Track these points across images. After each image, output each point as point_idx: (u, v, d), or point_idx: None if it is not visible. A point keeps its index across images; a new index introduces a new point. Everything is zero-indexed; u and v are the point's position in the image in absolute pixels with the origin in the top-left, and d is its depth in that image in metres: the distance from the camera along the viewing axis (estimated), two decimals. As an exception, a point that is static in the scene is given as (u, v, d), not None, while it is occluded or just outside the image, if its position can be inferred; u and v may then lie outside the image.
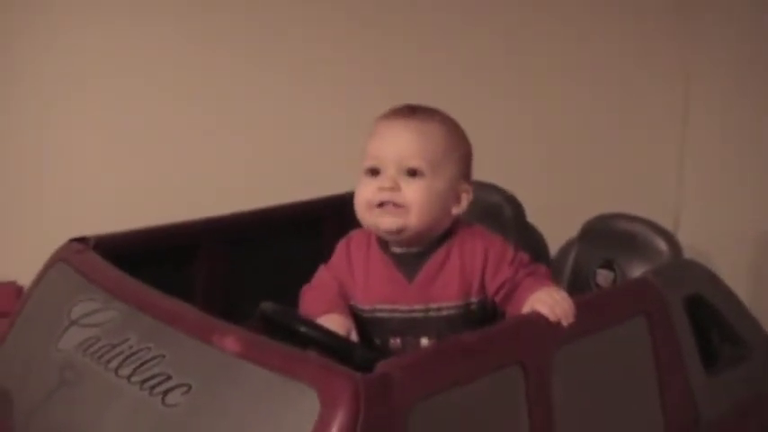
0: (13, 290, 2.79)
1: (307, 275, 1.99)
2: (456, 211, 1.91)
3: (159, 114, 3.02)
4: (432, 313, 1.88)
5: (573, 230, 2.35)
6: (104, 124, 2.99)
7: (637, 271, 2.16)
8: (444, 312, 1.88)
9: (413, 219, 1.84)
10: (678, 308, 1.98)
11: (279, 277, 2.01)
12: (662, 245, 2.18)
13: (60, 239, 2.07)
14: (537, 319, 1.74)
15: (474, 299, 1.89)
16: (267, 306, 1.72)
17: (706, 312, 2.08)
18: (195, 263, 2.20)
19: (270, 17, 3.09)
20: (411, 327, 1.88)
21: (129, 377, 1.66)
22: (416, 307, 1.89)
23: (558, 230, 2.36)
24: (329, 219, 2.36)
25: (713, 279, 2.13)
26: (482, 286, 1.89)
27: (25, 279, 2.73)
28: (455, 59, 3.11)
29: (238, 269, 2.25)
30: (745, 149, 2.79)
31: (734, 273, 2.29)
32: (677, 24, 3.15)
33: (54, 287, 1.97)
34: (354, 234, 1.99)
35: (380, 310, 1.90)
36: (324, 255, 2.02)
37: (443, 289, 1.89)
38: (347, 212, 2.02)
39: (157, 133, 3.02)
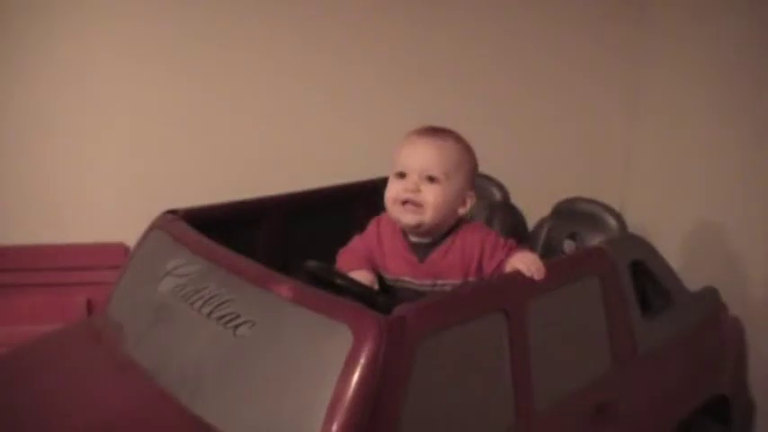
0: (122, 249, 2.81)
1: (341, 242, 2.01)
2: (461, 211, 1.93)
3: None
4: (437, 288, 1.90)
5: (545, 210, 2.34)
6: (192, 113, 2.96)
7: (594, 242, 2.16)
8: (447, 287, 1.89)
9: (428, 216, 1.87)
10: (624, 269, 1.99)
11: (321, 243, 2.01)
12: (612, 222, 2.18)
13: (156, 209, 2.08)
14: (516, 275, 1.76)
15: (471, 278, 1.90)
16: (310, 263, 1.74)
17: (644, 272, 2.08)
18: (258, 230, 2.22)
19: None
20: (422, 297, 1.89)
21: (208, 314, 1.69)
22: (426, 282, 1.90)
23: (534, 210, 2.36)
24: (361, 199, 2.36)
25: (650, 248, 2.14)
26: (478, 269, 1.89)
27: (130, 241, 2.78)
28: (454, 75, 3.10)
29: (290, 236, 2.27)
30: (685, 146, 2.77)
31: (666, 243, 2.29)
32: (630, 15, 3.10)
33: (152, 247, 1.99)
34: (384, 216, 1.99)
35: (399, 281, 1.92)
36: (355, 227, 2.03)
37: (447, 270, 1.90)
38: (376, 195, 2.04)
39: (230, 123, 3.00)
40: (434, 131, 1.92)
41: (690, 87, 2.76)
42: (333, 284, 1.69)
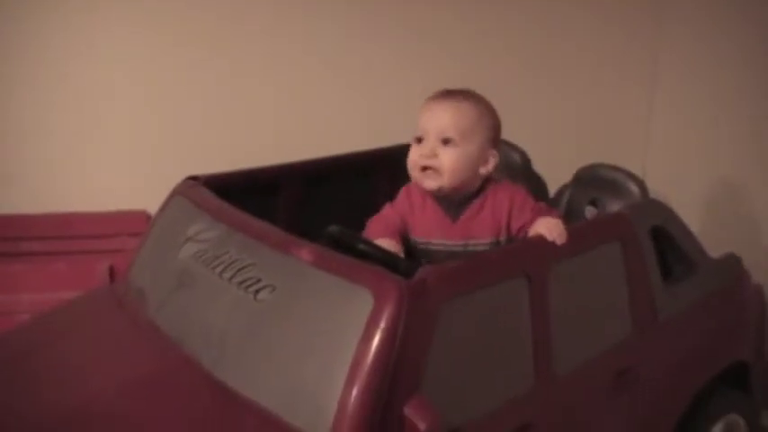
0: (144, 216, 2.81)
1: (361, 209, 2.00)
2: (484, 170, 1.91)
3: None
4: (469, 248, 1.89)
5: (566, 176, 2.32)
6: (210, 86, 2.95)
7: (615, 208, 2.14)
8: (479, 247, 1.89)
9: (446, 179, 1.86)
10: (645, 235, 1.96)
11: (340, 210, 2.00)
12: (634, 188, 2.15)
13: (177, 176, 2.07)
14: (538, 240, 1.74)
15: (502, 237, 1.90)
16: (333, 228, 1.73)
17: (665, 239, 2.06)
18: (278, 197, 2.20)
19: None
20: (454, 257, 1.88)
21: (230, 279, 1.68)
22: (458, 242, 1.90)
23: (555, 176, 2.34)
24: (381, 165, 2.35)
25: (671, 214, 2.11)
26: (509, 227, 1.89)
27: (152, 208, 2.78)
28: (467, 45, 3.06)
29: (310, 202, 2.26)
30: (707, 112, 2.73)
31: (688, 210, 2.25)
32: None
33: (174, 213, 1.98)
34: (413, 185, 1.98)
35: (431, 243, 1.92)
36: (375, 194, 2.02)
37: (478, 229, 1.90)
38: (396, 162, 2.03)
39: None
40: (450, 93, 1.91)
41: (711, 54, 2.72)
42: (355, 249, 1.68)
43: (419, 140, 1.89)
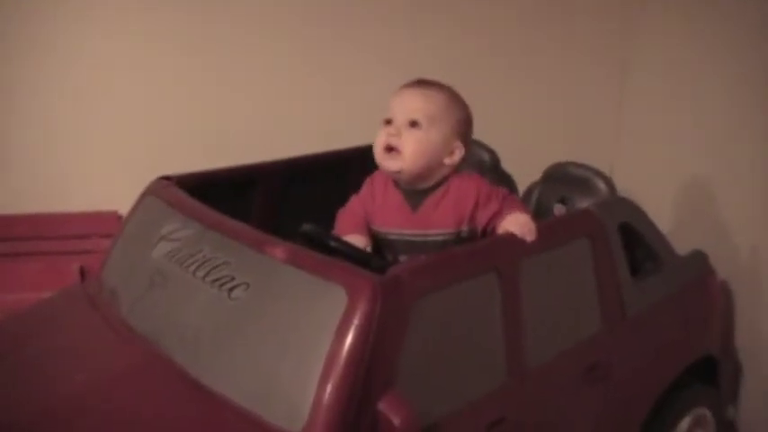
0: (115, 217, 2.80)
1: (336, 208, 2.01)
2: (449, 161, 1.91)
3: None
4: (430, 238, 1.89)
5: (535, 174, 2.34)
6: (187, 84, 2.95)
7: (584, 205, 2.16)
8: (440, 238, 1.89)
9: (407, 161, 1.86)
10: (613, 232, 1.99)
11: (314, 209, 2.00)
12: (602, 186, 2.18)
13: (149, 177, 2.07)
14: (508, 236, 1.76)
15: (464, 228, 1.89)
16: (307, 226, 1.74)
17: (633, 236, 2.09)
18: (251, 196, 2.20)
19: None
20: (414, 247, 1.89)
21: (203, 277, 1.68)
22: (418, 232, 1.90)
23: (524, 175, 2.36)
24: (353, 164, 2.36)
25: (639, 211, 2.14)
26: (472, 218, 1.89)
27: (124, 209, 2.76)
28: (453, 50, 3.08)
29: (285, 201, 2.26)
30: (675, 110, 2.75)
31: (655, 208, 2.28)
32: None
33: (147, 213, 1.98)
34: (377, 174, 1.99)
35: (392, 233, 1.92)
36: (348, 193, 2.03)
37: (439, 219, 1.90)
38: (369, 161, 2.03)
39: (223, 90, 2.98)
40: (423, 81, 1.94)
41: (681, 52, 2.75)
42: (327, 247, 1.69)
43: (387, 123, 1.90)
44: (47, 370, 1.71)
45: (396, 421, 1.42)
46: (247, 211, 2.14)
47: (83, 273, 2.50)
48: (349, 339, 1.43)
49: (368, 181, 2.02)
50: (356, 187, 2.03)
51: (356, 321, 1.44)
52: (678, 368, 2.17)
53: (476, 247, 1.75)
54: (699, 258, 2.34)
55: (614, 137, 3.03)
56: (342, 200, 2.02)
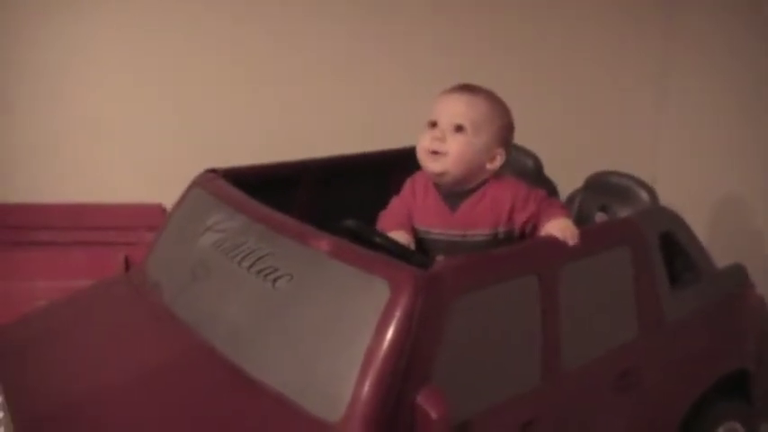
0: (159, 210, 2.84)
1: (374, 208, 2.03)
2: (490, 167, 1.94)
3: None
4: (468, 238, 1.91)
5: (578, 182, 2.34)
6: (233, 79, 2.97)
7: (625, 214, 2.16)
8: (478, 238, 1.91)
9: (451, 164, 1.89)
10: (653, 241, 1.98)
11: (355, 208, 2.01)
12: (644, 195, 2.17)
13: (193, 170, 2.10)
14: (550, 240, 1.76)
15: (501, 229, 1.91)
16: (349, 222, 1.75)
17: (673, 245, 2.08)
18: (295, 192, 2.23)
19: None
20: (453, 247, 1.90)
21: (248, 268, 1.71)
22: (456, 232, 1.92)
23: (565, 182, 2.36)
24: (395, 165, 2.37)
25: (680, 221, 2.13)
26: (509, 220, 1.91)
27: (168, 202, 2.79)
28: (483, 38, 3.07)
29: (325, 199, 2.28)
30: (712, 123, 2.74)
31: (695, 219, 2.27)
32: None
33: (193, 204, 2.01)
34: (417, 175, 2.02)
35: (432, 233, 1.94)
36: (390, 193, 2.05)
37: (477, 220, 1.92)
38: (412, 162, 2.05)
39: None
40: (468, 86, 1.96)
41: (722, 61, 2.73)
42: (370, 242, 1.71)
43: (432, 125, 1.92)
44: (91, 357, 1.75)
45: (433, 415, 1.43)
46: (289, 207, 2.14)
47: (127, 263, 2.54)
48: (390, 333, 1.45)
49: (409, 181, 2.04)
50: (397, 189, 2.05)
51: (398, 315, 1.45)
52: (712, 379, 2.15)
53: (517, 249, 1.76)
54: (738, 271, 2.33)
55: (655, 146, 3.01)
56: (381, 200, 2.04)
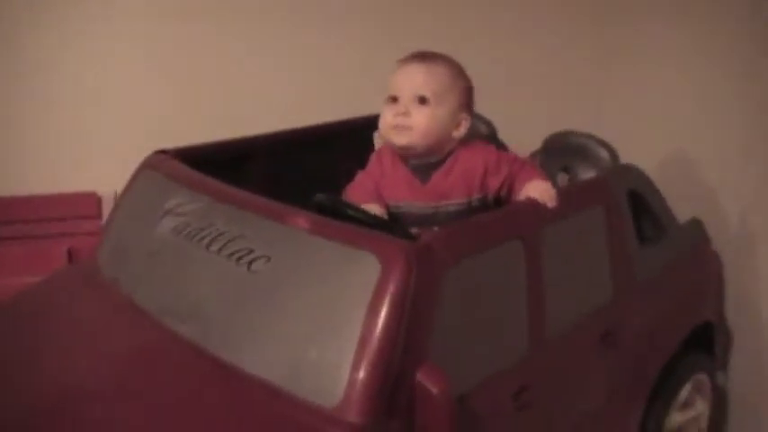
0: (94, 198, 2.67)
1: (333, 181, 1.94)
2: (456, 134, 1.87)
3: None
4: (441, 209, 1.85)
5: (534, 145, 2.30)
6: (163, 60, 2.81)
7: (586, 174, 2.13)
8: (451, 208, 1.84)
9: (418, 137, 1.82)
10: (624, 199, 1.96)
11: (312, 181, 1.90)
12: (604, 154, 2.13)
13: (131, 155, 1.97)
14: (531, 203, 1.71)
15: (475, 197, 1.85)
16: (321, 196, 1.65)
17: (638, 203, 2.05)
18: (248, 169, 2.11)
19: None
20: (425, 219, 1.83)
21: (218, 251, 1.60)
22: (429, 204, 1.85)
23: (523, 145, 2.31)
24: (352, 136, 2.30)
25: (645, 178, 2.11)
26: (482, 187, 1.85)
27: (102, 190, 2.65)
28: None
29: (281, 175, 2.18)
30: (663, 80, 2.71)
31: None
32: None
33: (145, 188, 1.88)
34: (383, 148, 1.94)
35: (402, 206, 1.86)
36: (347, 165, 1.96)
37: (450, 190, 1.85)
38: (367, 132, 1.98)
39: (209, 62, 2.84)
40: (425, 55, 1.88)
41: (668, 23, 2.70)
42: (345, 217, 1.61)
43: (393, 100, 1.84)
44: (49, 356, 1.61)
45: (434, 391, 1.36)
46: (244, 185, 2.05)
47: (70, 255, 2.39)
48: (384, 310, 1.37)
49: (375, 155, 1.96)
50: (354, 160, 1.96)
51: (391, 290, 1.38)
52: (683, 334, 2.15)
53: (501, 214, 1.70)
54: (696, 226, 2.33)
55: (599, 105, 2.95)
56: (340, 174, 1.95)
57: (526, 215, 1.68)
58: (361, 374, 1.35)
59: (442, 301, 1.44)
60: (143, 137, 2.16)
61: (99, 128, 2.77)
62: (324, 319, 1.42)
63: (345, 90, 2.73)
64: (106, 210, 2.54)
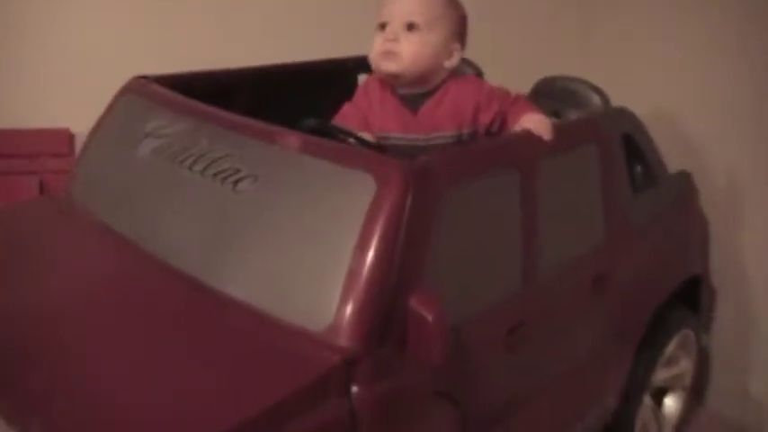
0: (66, 135, 2.56)
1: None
2: (448, 64, 1.79)
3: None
4: (431, 141, 1.77)
5: (523, 89, 2.22)
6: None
7: (579, 118, 2.06)
8: (441, 140, 1.77)
9: (407, 65, 1.73)
10: (618, 142, 1.91)
11: (294, 119, 1.84)
12: (596, 98, 2.07)
13: (107, 93, 1.87)
14: (527, 134, 1.64)
15: (465, 130, 1.78)
16: (310, 120, 1.58)
17: (632, 150, 2.00)
18: (232, 102, 2.00)
19: None
20: (415, 151, 1.75)
21: (202, 172, 1.52)
22: (420, 135, 1.77)
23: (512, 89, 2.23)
24: (335, 77, 2.21)
25: (639, 123, 2.06)
26: (473, 121, 1.77)
27: (76, 127, 2.54)
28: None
29: (265, 110, 2.06)
30: (647, 27, 2.65)
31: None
32: None
33: (125, 112, 1.79)
34: (370, 79, 1.86)
35: (391, 137, 1.78)
36: (329, 105, 1.87)
37: (440, 122, 1.77)
38: (349, 73, 1.89)
39: None
40: None
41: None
42: (336, 140, 1.54)
43: (382, 27, 1.76)
44: (23, 278, 1.52)
45: (429, 317, 1.30)
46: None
47: (42, 189, 2.29)
48: (379, 229, 1.30)
49: (361, 86, 1.88)
50: (337, 100, 1.88)
51: (387, 209, 1.31)
52: (672, 285, 2.11)
53: (498, 142, 1.65)
54: (685, 178, 2.28)
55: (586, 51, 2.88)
56: (328, 111, 1.86)
57: (522, 144, 1.62)
58: (352, 297, 1.28)
59: (438, 226, 1.37)
60: (120, 76, 2.07)
61: (74, 64, 2.66)
62: (314, 241, 1.35)
63: (341, 30, 2.63)
64: (79, 147, 2.44)
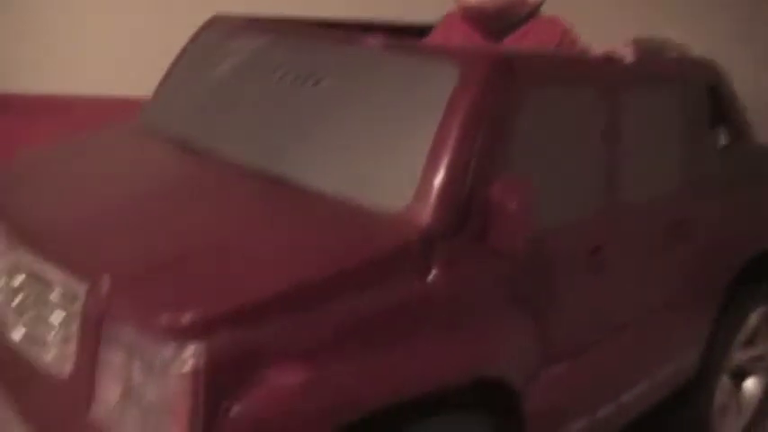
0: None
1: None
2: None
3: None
4: None
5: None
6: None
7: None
8: None
9: None
10: (703, 89, 1.84)
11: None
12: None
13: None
14: (609, 54, 1.60)
15: None
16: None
17: (716, 102, 1.93)
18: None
19: None
20: None
21: (282, 76, 1.52)
22: None
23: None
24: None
25: (727, 79, 1.98)
26: None
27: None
28: None
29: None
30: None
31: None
32: None
33: (207, 40, 1.80)
34: (449, 15, 1.85)
35: None
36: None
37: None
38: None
39: None
40: None
41: None
42: None
43: None
44: (94, 186, 1.52)
45: (512, 206, 1.25)
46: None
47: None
48: (461, 113, 1.28)
49: (439, 24, 1.87)
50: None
51: (470, 96, 1.29)
52: (750, 252, 2.00)
53: (582, 56, 1.61)
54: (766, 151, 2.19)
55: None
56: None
57: (605, 65, 1.58)
58: (433, 177, 1.25)
59: (521, 122, 1.34)
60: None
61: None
62: (395, 127, 1.33)
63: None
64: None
